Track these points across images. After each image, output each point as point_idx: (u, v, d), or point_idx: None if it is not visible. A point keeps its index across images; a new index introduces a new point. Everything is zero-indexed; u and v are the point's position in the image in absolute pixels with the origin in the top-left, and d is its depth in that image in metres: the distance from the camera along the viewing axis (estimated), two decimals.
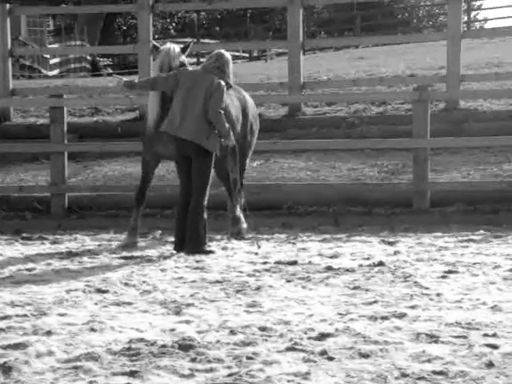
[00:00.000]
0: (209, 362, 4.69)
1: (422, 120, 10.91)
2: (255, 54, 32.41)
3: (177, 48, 9.07)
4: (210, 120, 8.49)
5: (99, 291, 6.68)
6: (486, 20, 39.33)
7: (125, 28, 38.17)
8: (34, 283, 7.06)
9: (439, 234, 9.64)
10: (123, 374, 4.49)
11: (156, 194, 10.82)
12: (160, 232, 9.80)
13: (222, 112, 8.55)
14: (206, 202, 8.57)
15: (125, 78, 9.18)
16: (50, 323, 5.56)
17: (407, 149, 11.46)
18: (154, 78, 8.84)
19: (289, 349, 4.93)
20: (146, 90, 9.09)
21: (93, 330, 5.41)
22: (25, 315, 5.83)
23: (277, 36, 34.35)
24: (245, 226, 9.56)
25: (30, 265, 8.02)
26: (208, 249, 8.58)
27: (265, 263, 7.93)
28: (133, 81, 9.02)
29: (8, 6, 14.34)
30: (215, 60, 8.68)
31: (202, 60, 24.77)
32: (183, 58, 9.06)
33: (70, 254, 8.58)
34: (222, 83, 8.56)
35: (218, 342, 5.09)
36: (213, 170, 8.75)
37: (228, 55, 8.79)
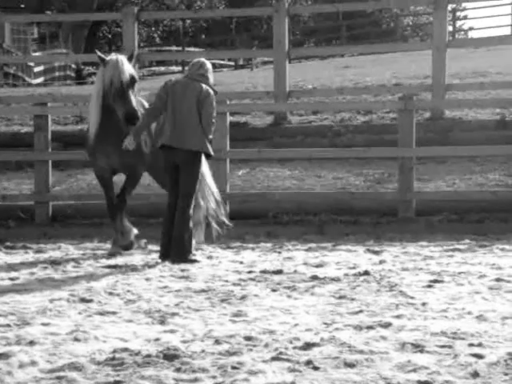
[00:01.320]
0: (193, 371, 4.66)
1: (407, 129, 10.92)
2: (241, 63, 32.46)
3: (124, 59, 8.81)
4: (203, 127, 8.54)
5: (83, 300, 6.63)
6: (471, 29, 39.51)
7: (110, 36, 38.14)
8: (18, 292, 7.01)
9: (425, 243, 9.65)
10: (107, 383, 4.46)
11: (141, 202, 10.79)
12: (145, 241, 9.75)
13: (215, 122, 8.72)
14: (192, 211, 8.56)
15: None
16: (33, 333, 5.51)
17: (393, 158, 11.47)
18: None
19: (274, 358, 4.91)
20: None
21: (76, 339, 5.36)
22: (8, 325, 5.78)
23: (262, 45, 34.40)
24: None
25: (14, 274, 7.96)
26: (193, 258, 8.55)
27: (250, 272, 7.91)
28: (134, 128, 8.63)
29: None
30: (198, 68, 8.71)
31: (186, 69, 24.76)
32: (132, 69, 8.83)
33: (54, 263, 8.53)
34: (211, 90, 8.60)
35: (203, 351, 5.06)
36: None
37: (209, 63, 8.86)
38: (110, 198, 9.13)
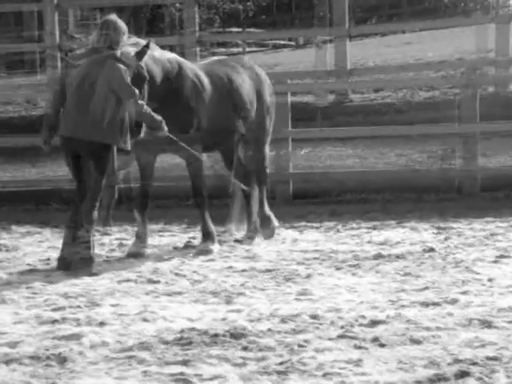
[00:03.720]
0: (260, 350, 4.71)
1: (470, 104, 10.79)
2: (301, 42, 32.30)
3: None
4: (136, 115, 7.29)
5: (150, 281, 6.72)
6: None
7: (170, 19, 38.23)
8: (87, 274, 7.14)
9: (490, 218, 9.54)
10: (176, 363, 4.53)
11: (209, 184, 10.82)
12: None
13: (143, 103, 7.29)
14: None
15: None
16: (102, 314, 5.62)
17: (456, 133, 11.34)
18: None
19: (340, 336, 4.93)
20: None
21: (145, 319, 5.46)
22: (78, 306, 5.90)
23: (323, 23, 34.16)
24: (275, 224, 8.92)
25: None
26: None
27: (314, 251, 7.92)
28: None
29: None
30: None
31: (247, 50, 24.74)
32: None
33: (121, 245, 8.65)
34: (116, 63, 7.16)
35: (269, 330, 5.10)
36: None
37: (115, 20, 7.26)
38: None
